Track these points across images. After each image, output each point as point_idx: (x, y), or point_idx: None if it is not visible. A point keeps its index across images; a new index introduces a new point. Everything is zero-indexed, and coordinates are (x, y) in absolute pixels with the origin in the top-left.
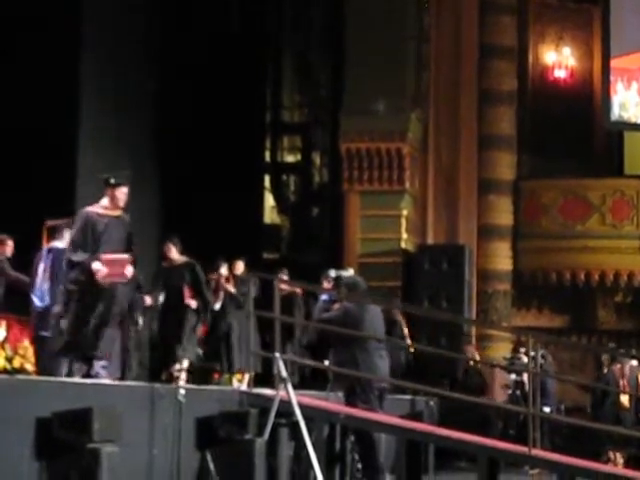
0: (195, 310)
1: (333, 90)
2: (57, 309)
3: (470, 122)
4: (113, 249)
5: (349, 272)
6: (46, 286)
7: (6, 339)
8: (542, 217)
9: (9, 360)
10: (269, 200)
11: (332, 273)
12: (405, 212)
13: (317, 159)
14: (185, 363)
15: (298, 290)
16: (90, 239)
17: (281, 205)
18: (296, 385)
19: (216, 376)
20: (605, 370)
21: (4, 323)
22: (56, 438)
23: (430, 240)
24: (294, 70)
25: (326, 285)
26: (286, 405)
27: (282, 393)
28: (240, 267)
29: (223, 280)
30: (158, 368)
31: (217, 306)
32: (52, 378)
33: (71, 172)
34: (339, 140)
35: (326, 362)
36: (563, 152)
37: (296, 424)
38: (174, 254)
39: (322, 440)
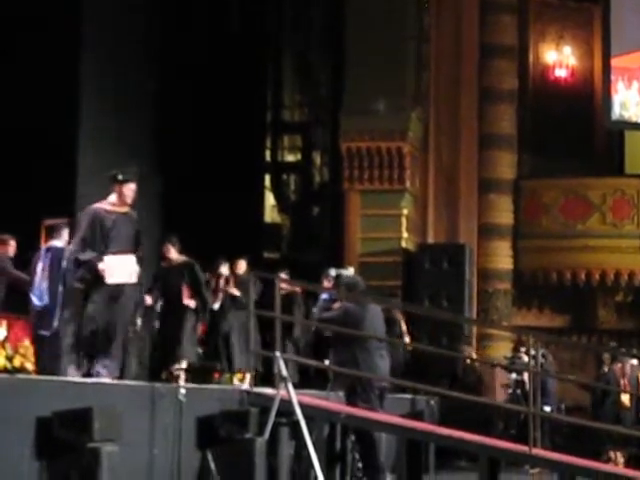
0: (194, 310)
1: (333, 90)
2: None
3: (470, 121)
4: (121, 246)
5: (349, 271)
6: (45, 285)
7: (7, 338)
8: (543, 216)
9: (10, 359)
10: (269, 199)
11: (332, 272)
12: (405, 211)
13: (317, 158)
14: (184, 363)
15: (298, 289)
16: (99, 235)
17: (281, 204)
18: (296, 384)
19: (216, 375)
20: (606, 369)
21: (5, 322)
22: (56, 438)
23: (430, 239)
24: (294, 70)
25: (326, 284)
26: (287, 404)
27: (283, 392)
28: (242, 266)
29: (223, 281)
30: (158, 368)
31: (216, 306)
32: (52, 377)
33: (71, 172)
34: (339, 139)
35: (326, 362)
36: (564, 151)
37: (297, 423)
38: (173, 254)
39: (323, 439)
